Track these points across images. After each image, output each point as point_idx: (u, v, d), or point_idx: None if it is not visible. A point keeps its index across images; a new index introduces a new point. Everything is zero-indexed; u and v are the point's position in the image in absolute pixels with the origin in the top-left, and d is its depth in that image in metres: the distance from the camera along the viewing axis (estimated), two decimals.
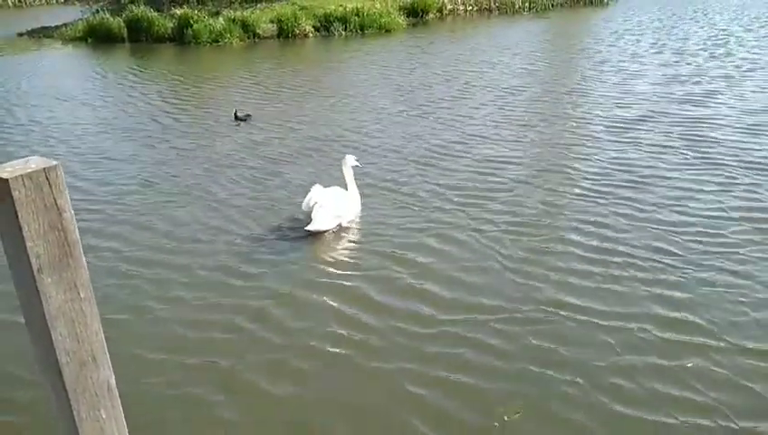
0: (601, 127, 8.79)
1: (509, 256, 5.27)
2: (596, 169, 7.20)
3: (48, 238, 1.45)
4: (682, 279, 4.77)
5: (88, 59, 17.77)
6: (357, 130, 9.22)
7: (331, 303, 4.75)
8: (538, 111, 9.82)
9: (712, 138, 8.08)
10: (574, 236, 5.58)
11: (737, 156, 7.40)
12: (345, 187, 6.18)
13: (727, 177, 6.78)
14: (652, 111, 9.37)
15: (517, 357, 4.00)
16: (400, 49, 16.28)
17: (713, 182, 6.64)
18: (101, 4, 22.24)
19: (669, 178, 6.80)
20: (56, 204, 1.45)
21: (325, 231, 5.84)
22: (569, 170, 7.22)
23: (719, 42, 14.81)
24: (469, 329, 4.31)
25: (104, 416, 1.59)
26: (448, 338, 4.24)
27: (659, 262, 5.05)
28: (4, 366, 4.16)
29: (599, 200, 6.32)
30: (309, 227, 5.75)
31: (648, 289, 4.66)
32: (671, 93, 10.42)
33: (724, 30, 16.51)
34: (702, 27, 17.21)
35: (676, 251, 5.22)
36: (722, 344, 3.99)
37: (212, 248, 5.70)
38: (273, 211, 6.47)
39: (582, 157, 7.65)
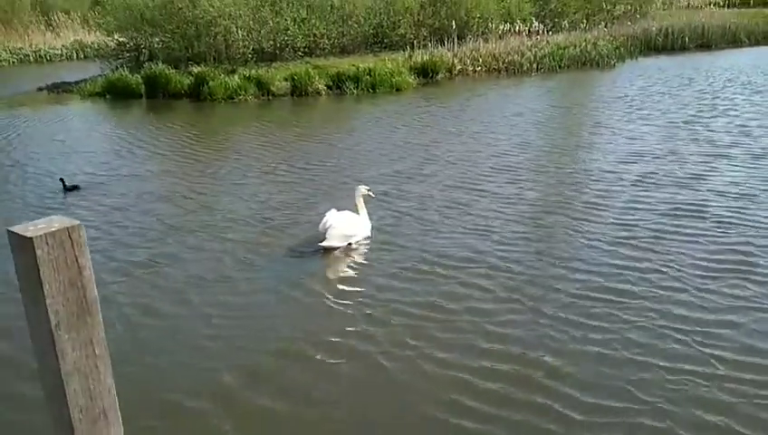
0: (595, 215, 7.80)
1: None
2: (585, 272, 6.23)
3: (67, 296, 1.50)
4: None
5: (104, 114, 18.20)
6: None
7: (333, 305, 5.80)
8: (528, 189, 8.99)
9: (724, 222, 7.35)
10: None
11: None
12: (357, 212, 7.25)
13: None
14: (648, 196, 8.39)
15: None
16: (405, 110, 16.33)
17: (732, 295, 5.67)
18: (121, 61, 22.85)
19: (664, 290, 5.77)
20: (77, 262, 1.51)
21: (336, 248, 6.92)
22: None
23: (720, 108, 14.49)
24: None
25: None
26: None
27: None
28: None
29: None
30: (322, 244, 6.87)
31: None
32: (668, 172, 9.47)
33: (724, 96, 16.31)
34: (702, 92, 16.99)
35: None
36: None
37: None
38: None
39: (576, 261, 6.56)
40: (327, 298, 6.03)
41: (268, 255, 6.99)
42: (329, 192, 9.14)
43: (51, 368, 1.53)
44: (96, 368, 1.55)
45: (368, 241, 7.25)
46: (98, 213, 8.63)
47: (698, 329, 5.13)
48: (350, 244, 7.04)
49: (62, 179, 9.71)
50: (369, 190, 7.43)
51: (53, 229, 1.49)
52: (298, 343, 5.21)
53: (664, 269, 6.24)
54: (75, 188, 9.67)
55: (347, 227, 6.97)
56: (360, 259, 6.92)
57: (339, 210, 7.09)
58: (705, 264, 6.35)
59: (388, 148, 12.06)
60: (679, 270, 6.21)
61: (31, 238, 1.46)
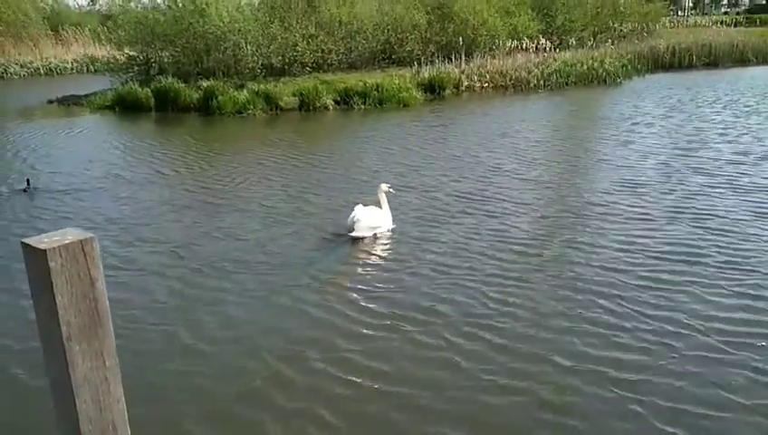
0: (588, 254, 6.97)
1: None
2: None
3: (80, 308, 1.52)
4: None
5: (114, 127, 18.37)
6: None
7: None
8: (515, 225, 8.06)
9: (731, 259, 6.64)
10: None
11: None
12: (380, 207, 8.03)
13: None
14: (642, 234, 7.52)
15: None
16: (404, 129, 16.14)
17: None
18: (131, 74, 23.08)
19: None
20: (90, 275, 1.53)
21: (363, 238, 7.74)
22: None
23: (721, 132, 14.02)
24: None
25: None
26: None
27: None
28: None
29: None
30: (351, 234, 7.74)
31: None
32: (665, 205, 8.69)
33: (726, 118, 15.99)
34: (705, 113, 16.71)
35: None
36: None
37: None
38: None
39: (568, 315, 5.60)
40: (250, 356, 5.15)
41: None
42: (282, 220, 8.68)
43: (61, 379, 1.54)
44: (106, 380, 1.56)
45: (391, 233, 7.93)
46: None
47: (709, 413, 4.21)
48: (375, 235, 7.81)
49: (28, 180, 10.28)
50: (389, 187, 8.21)
51: (67, 242, 1.51)
52: (218, 407, 4.46)
53: (664, 330, 5.24)
54: (25, 190, 10.20)
55: (372, 219, 7.78)
56: (295, 304, 6.01)
57: (365, 205, 7.83)
58: (713, 325, 5.31)
59: (370, 171, 11.28)
60: (681, 332, 5.21)
61: (44, 250, 1.48)
